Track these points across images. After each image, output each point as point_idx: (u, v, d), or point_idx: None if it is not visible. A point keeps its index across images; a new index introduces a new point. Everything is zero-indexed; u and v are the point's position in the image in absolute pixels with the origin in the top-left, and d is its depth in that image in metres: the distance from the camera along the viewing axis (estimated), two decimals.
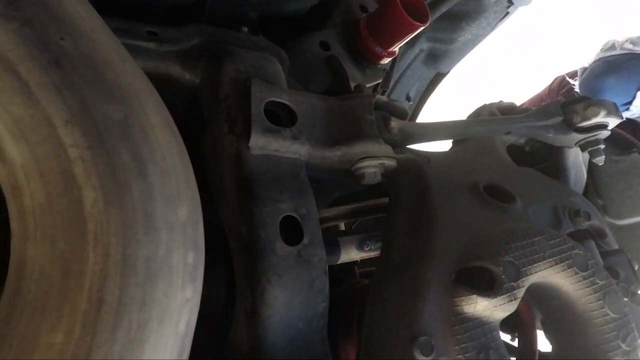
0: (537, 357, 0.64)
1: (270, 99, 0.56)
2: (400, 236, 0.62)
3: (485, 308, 0.52)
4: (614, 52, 1.82)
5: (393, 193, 0.68)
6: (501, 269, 0.53)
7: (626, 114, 1.76)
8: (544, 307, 0.61)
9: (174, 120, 0.40)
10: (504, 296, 0.52)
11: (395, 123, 0.63)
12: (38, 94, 0.29)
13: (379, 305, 0.57)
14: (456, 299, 0.53)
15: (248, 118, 0.54)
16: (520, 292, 0.53)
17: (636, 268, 0.75)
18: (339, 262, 0.73)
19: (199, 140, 0.64)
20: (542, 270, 0.55)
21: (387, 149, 0.60)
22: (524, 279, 0.53)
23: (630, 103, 1.75)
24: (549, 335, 0.62)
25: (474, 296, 0.52)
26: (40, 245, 0.29)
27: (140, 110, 0.31)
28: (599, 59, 1.85)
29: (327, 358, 0.53)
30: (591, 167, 0.88)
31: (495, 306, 0.51)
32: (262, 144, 0.54)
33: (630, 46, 1.77)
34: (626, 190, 0.86)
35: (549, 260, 0.56)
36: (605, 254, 0.71)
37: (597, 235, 0.69)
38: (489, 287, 0.52)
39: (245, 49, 0.64)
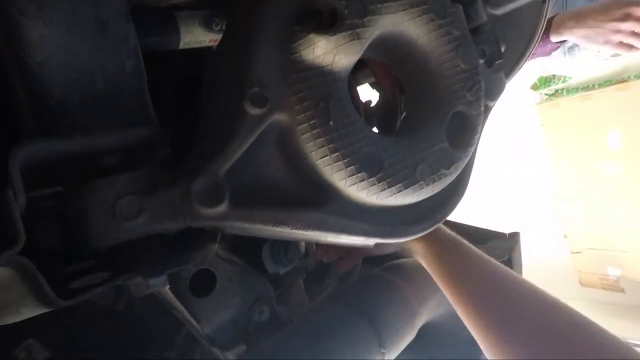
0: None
1: None
2: None
3: (325, 50, 0.44)
4: None
5: None
6: (344, 3, 0.44)
7: None
8: (401, 71, 0.57)
9: None
10: (345, 34, 0.44)
11: None
12: None
13: (216, 63, 0.48)
14: (294, 44, 0.45)
15: None
16: (366, 32, 0.46)
17: (502, 50, 0.74)
18: (183, 45, 0.60)
19: None
20: (394, 12, 0.48)
21: None
22: (371, 17, 0.46)
23: None
24: (406, 101, 0.60)
25: (312, 36, 0.44)
26: None
27: None
28: None
29: (141, 123, 0.44)
30: None
31: (336, 47, 0.44)
32: None
33: None
34: None
35: (402, 1, 0.48)
36: (474, 31, 0.67)
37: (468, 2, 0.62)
38: (329, 24, 0.44)
39: None
